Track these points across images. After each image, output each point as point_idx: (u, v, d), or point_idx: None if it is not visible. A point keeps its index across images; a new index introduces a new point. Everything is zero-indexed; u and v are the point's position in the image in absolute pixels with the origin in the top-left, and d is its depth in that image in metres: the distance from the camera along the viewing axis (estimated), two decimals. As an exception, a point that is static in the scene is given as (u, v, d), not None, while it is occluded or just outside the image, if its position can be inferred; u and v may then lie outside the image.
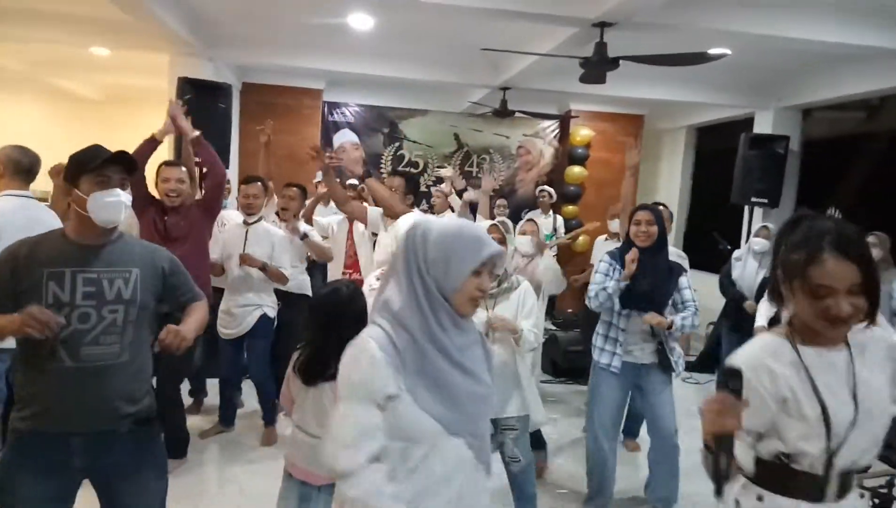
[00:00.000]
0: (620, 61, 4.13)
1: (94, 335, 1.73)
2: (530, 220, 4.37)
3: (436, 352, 1.38)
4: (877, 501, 3.27)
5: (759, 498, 1.43)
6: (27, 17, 5.41)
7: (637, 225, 3.03)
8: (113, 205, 1.76)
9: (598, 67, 4.18)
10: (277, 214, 4.25)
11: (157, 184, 3.40)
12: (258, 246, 3.68)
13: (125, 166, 1.82)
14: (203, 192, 3.56)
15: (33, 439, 1.74)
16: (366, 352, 1.37)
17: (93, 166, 1.75)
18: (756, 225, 6.46)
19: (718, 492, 1.30)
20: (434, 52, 6.08)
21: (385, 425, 1.35)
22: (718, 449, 1.27)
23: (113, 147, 1.83)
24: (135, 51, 6.14)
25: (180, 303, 2.00)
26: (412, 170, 8.00)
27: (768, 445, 1.42)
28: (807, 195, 6.78)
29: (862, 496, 1.48)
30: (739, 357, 1.43)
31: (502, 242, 2.70)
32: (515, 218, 6.16)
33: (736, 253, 4.63)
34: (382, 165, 7.91)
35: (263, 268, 3.62)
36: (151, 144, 3.24)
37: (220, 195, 3.52)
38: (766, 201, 6.35)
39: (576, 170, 7.91)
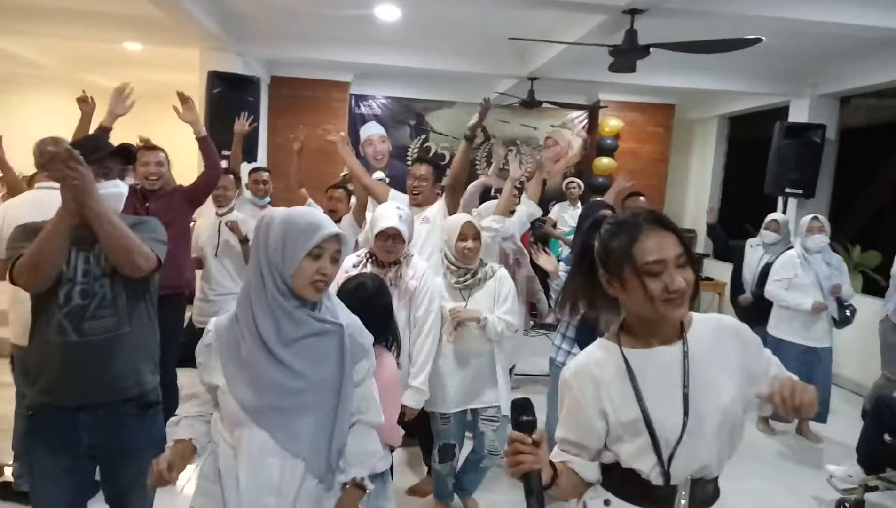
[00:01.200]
0: (651, 49, 4.05)
1: (92, 310, 1.81)
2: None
3: (253, 340, 1.43)
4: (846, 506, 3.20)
5: (607, 503, 1.33)
6: (61, 15, 5.53)
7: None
8: (115, 196, 1.87)
9: (628, 55, 4.10)
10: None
11: (134, 169, 3.34)
12: (231, 236, 3.77)
13: (125, 158, 1.93)
14: (195, 184, 3.52)
15: (44, 414, 1.84)
16: (206, 332, 1.53)
17: (96, 158, 1.81)
18: (790, 216, 6.33)
19: None
20: (460, 43, 6.05)
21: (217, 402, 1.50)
22: (529, 489, 1.17)
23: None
24: (166, 46, 6.23)
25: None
26: (439, 162, 7.98)
27: (605, 456, 1.33)
28: (843, 185, 6.59)
29: None
30: (569, 367, 1.36)
31: (476, 237, 2.72)
32: (543, 210, 6.11)
33: (789, 257, 4.32)
34: (409, 158, 7.91)
35: (245, 241, 3.68)
36: (102, 132, 3.11)
37: (208, 191, 3.52)
38: (800, 191, 6.19)
39: (604, 161, 7.81)
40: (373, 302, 2.11)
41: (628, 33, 4.07)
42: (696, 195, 8.74)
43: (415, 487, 3.21)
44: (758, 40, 3.74)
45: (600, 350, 1.34)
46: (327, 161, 6.53)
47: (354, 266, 2.65)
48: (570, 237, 6.00)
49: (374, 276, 2.35)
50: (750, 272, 4.72)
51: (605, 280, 1.31)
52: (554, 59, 5.56)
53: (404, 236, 2.59)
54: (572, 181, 6.52)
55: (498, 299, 2.75)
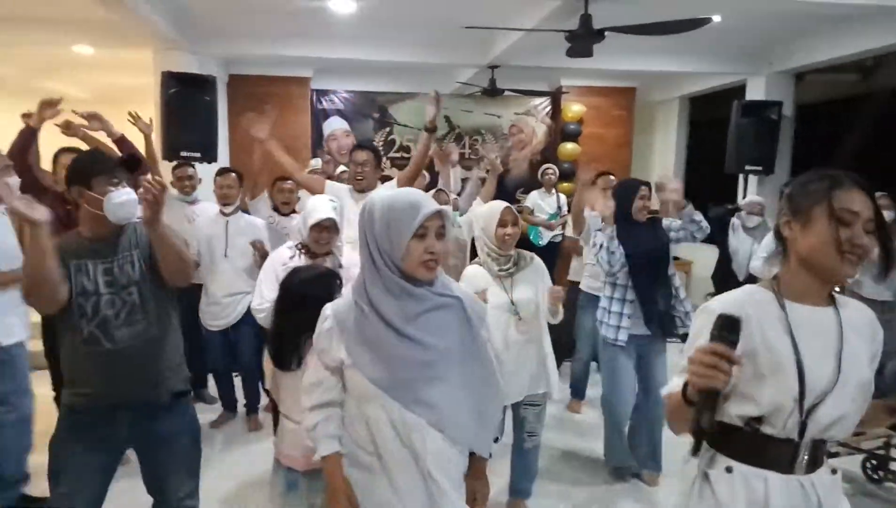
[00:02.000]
0: (606, 33, 4.08)
1: (123, 318, 1.90)
2: (441, 190, 4.28)
3: (377, 319, 1.49)
4: (874, 462, 3.30)
5: (728, 469, 1.36)
6: (6, 21, 5.35)
7: (643, 200, 3.13)
8: (131, 203, 1.90)
9: (583, 39, 4.12)
10: (276, 209, 4.16)
11: (54, 171, 3.36)
12: (242, 236, 3.71)
13: (129, 168, 1.99)
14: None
15: (84, 415, 1.92)
16: (323, 319, 1.59)
17: (103, 169, 1.89)
18: (751, 193, 6.45)
19: (696, 451, 1.22)
20: (419, 34, 6.02)
21: (345, 383, 1.57)
22: (703, 406, 1.16)
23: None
24: (118, 49, 6.09)
25: None
26: (404, 155, 7.96)
27: (738, 408, 1.33)
28: (801, 160, 6.73)
29: (834, 472, 1.38)
30: (720, 303, 1.35)
31: (515, 222, 2.66)
32: (510, 198, 6.12)
33: (733, 221, 4.54)
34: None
35: (265, 257, 3.60)
36: (30, 134, 3.14)
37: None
38: (760, 168, 6.31)
39: (569, 147, 7.86)
40: (308, 290, 2.09)
41: (583, 18, 4.09)
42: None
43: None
44: (708, 20, 3.78)
45: (756, 293, 1.37)
46: (294, 156, 6.43)
47: (291, 258, 2.67)
48: (553, 222, 6.04)
49: (316, 265, 2.35)
50: (740, 259, 4.72)
51: (784, 221, 1.34)
52: (513, 47, 5.56)
53: (339, 227, 2.65)
54: (549, 168, 6.51)
55: (542, 283, 2.73)
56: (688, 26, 3.86)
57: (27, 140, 3.16)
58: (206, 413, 4.04)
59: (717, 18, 4.48)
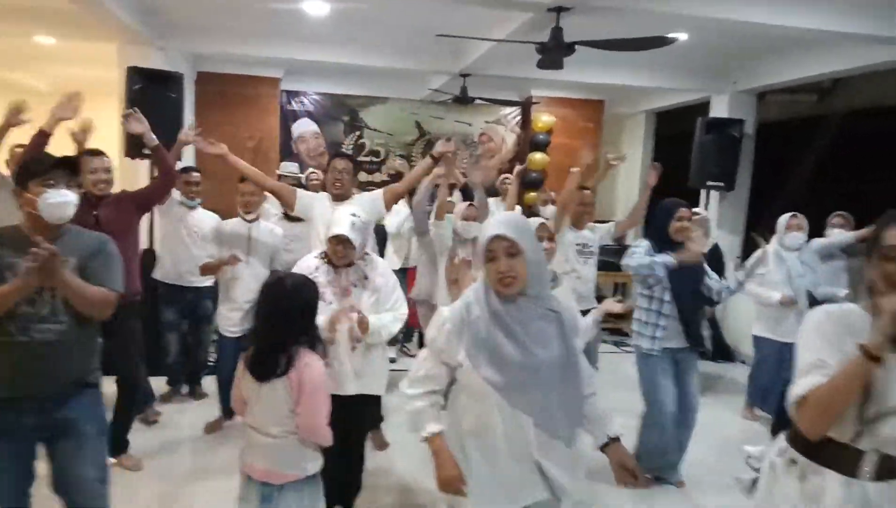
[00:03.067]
0: (577, 47, 4.13)
1: (42, 316, 1.96)
2: (472, 205, 4.24)
3: (493, 323, 1.70)
4: None
5: (793, 462, 1.54)
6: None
7: (681, 221, 3.20)
8: (60, 205, 1.97)
9: (554, 52, 4.17)
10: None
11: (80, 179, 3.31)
12: (263, 243, 3.85)
13: (70, 169, 2.05)
14: (146, 190, 3.57)
15: None
16: (438, 318, 1.79)
17: (39, 171, 1.96)
18: (713, 208, 6.60)
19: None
20: (392, 39, 6.01)
21: (457, 379, 1.78)
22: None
23: (65, 139, 1.99)
24: (81, 40, 5.93)
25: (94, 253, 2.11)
26: (374, 159, 7.93)
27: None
28: (761, 178, 6.93)
29: None
30: (826, 308, 1.52)
31: (551, 239, 2.77)
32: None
33: (757, 254, 4.23)
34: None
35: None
36: (42, 137, 3.07)
37: (163, 195, 3.59)
38: (722, 184, 6.46)
39: (538, 156, 7.93)
40: (286, 301, 2.08)
41: (554, 31, 4.14)
42: (626, 189, 9.00)
43: None
44: (674, 39, 3.87)
45: (857, 312, 1.49)
46: (258, 158, 6.35)
47: (317, 269, 2.65)
48: None
49: (297, 274, 2.32)
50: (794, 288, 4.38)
51: (865, 263, 1.49)
52: (485, 56, 5.60)
53: (354, 244, 2.59)
54: (507, 177, 6.57)
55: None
56: (655, 43, 3.94)
57: (41, 144, 3.07)
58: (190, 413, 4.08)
59: (683, 37, 4.59)
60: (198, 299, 4.29)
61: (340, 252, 2.59)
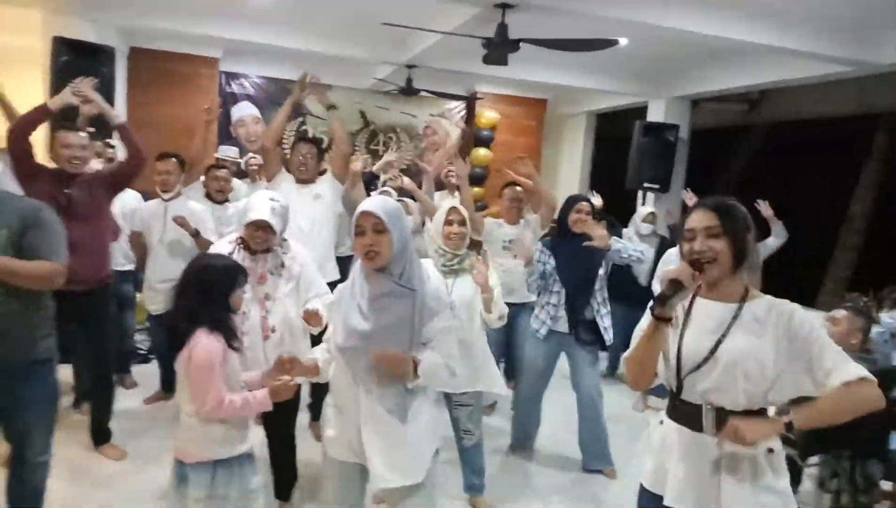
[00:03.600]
0: (521, 44, 4.18)
1: None
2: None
3: (350, 295, 1.93)
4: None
5: (661, 422, 1.77)
6: None
7: (578, 212, 3.39)
8: None
9: (499, 48, 4.21)
10: (209, 196, 4.19)
11: (52, 150, 3.20)
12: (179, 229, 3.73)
13: None
14: (118, 170, 3.46)
15: None
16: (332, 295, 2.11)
17: None
18: (648, 208, 6.82)
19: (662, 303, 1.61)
20: (337, 25, 5.91)
21: None
22: (673, 289, 1.59)
23: None
24: (2, 5, 5.55)
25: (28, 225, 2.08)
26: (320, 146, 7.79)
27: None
28: (694, 181, 7.19)
29: (770, 451, 1.64)
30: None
31: (462, 223, 2.86)
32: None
33: (669, 254, 4.58)
34: (285, 141, 7.64)
35: (196, 235, 3.65)
36: (42, 112, 3.01)
37: (132, 177, 3.39)
38: (657, 186, 6.68)
39: (481, 152, 7.99)
40: (191, 279, 2.10)
41: (500, 27, 4.18)
42: (566, 188, 9.16)
43: None
44: (615, 42, 3.97)
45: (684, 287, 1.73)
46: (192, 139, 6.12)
47: (230, 254, 2.56)
48: None
49: (219, 259, 2.26)
50: (643, 265, 4.84)
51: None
52: (432, 48, 5.58)
53: (275, 230, 2.54)
54: (451, 170, 6.59)
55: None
56: (597, 45, 4.03)
57: (38, 119, 3.01)
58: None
59: (623, 41, 4.69)
60: (118, 283, 4.08)
61: (260, 237, 2.54)
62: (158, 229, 3.81)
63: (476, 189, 7.91)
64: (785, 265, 5.04)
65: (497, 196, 5.40)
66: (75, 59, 5.02)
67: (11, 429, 2.23)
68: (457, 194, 6.53)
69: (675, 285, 1.59)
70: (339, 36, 6.13)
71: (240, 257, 2.54)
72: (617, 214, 6.54)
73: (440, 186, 6.65)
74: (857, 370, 1.51)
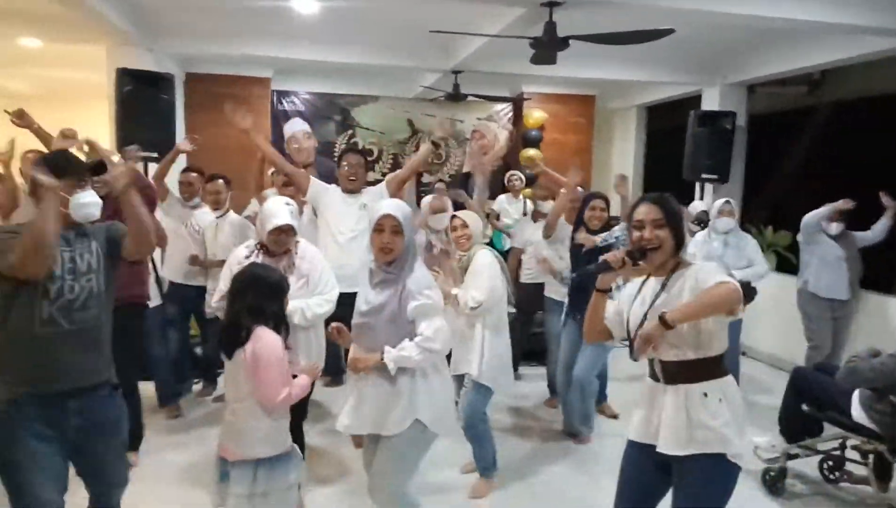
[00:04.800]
0: (570, 41, 4.13)
1: (83, 302, 2.06)
2: (437, 197, 4.46)
3: (362, 283, 2.40)
4: (830, 463, 3.41)
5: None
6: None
7: (592, 210, 3.73)
8: (90, 205, 2.09)
9: (547, 47, 4.16)
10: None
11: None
12: (230, 237, 4.13)
13: (95, 172, 2.16)
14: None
15: (31, 401, 1.99)
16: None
17: (74, 172, 2.06)
18: (707, 200, 6.62)
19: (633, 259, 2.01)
20: (383, 37, 5.98)
21: None
22: (601, 268, 2.04)
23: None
24: (69, 43, 5.86)
25: (122, 234, 2.21)
26: (367, 158, 7.89)
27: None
28: (754, 169, 6.96)
29: (705, 394, 1.94)
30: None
31: (465, 225, 3.16)
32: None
33: (698, 236, 4.65)
34: (335, 153, 7.77)
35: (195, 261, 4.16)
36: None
37: (150, 201, 3.64)
38: (716, 176, 6.48)
39: (530, 152, 7.93)
40: (257, 279, 2.29)
41: (547, 25, 4.13)
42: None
43: None
44: (669, 31, 3.87)
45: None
46: (249, 159, 6.30)
47: (247, 257, 2.80)
48: (514, 230, 6.07)
49: (273, 270, 2.45)
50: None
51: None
52: (477, 53, 5.59)
53: (296, 230, 2.83)
54: (514, 174, 6.60)
55: (473, 280, 3.07)
56: (649, 37, 3.94)
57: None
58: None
59: (673, 29, 4.57)
60: (201, 297, 4.33)
61: (283, 240, 2.80)
62: (211, 244, 4.23)
63: (526, 190, 7.85)
64: (883, 256, 4.83)
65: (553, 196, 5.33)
66: (137, 88, 5.25)
67: (92, 464, 2.18)
68: (521, 197, 6.52)
69: (603, 266, 2.01)
70: (385, 47, 6.20)
71: (259, 260, 2.77)
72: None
73: (500, 189, 6.66)
74: (725, 276, 1.85)
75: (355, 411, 2.34)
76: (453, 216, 3.24)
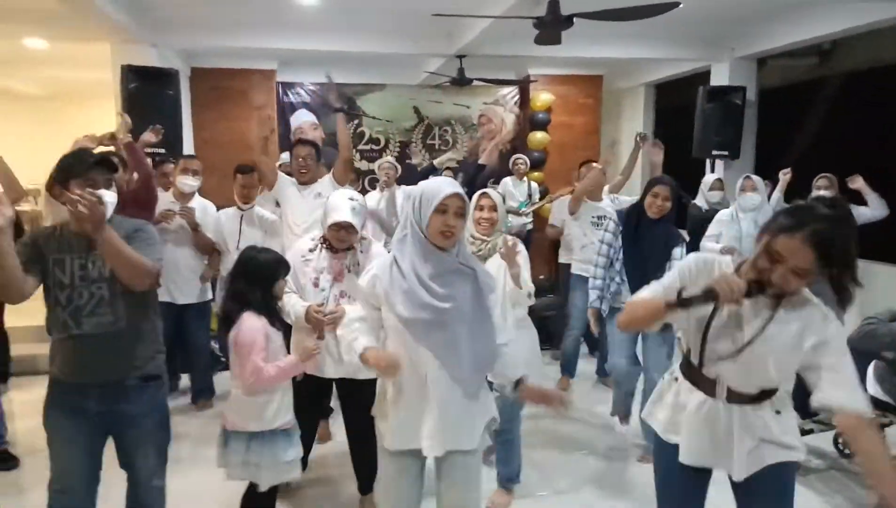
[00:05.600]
0: (575, 20, 4.07)
1: (91, 309, 2.06)
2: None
3: (410, 272, 1.88)
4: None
5: (676, 380, 1.92)
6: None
7: (654, 197, 3.25)
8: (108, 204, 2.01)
9: (552, 26, 4.10)
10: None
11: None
12: (253, 230, 4.04)
13: (108, 168, 2.09)
14: (136, 189, 3.70)
15: (60, 386, 2.15)
16: (367, 272, 1.99)
17: (78, 172, 2.01)
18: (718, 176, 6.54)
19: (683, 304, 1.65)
20: (385, 24, 5.94)
21: (384, 321, 1.96)
22: (705, 299, 1.59)
23: (59, 143, 2.10)
24: (73, 42, 5.88)
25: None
26: (374, 147, 7.88)
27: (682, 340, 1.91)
28: (766, 144, 6.86)
29: (778, 412, 1.79)
30: (700, 255, 1.86)
31: (493, 209, 2.84)
32: (481, 187, 6.10)
33: (722, 214, 4.48)
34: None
35: (195, 228, 4.00)
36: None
37: (151, 190, 3.78)
38: (726, 152, 6.41)
39: (538, 135, 7.88)
40: (249, 266, 2.39)
41: (551, 4, 4.08)
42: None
43: None
44: (675, 4, 3.80)
45: (723, 262, 1.81)
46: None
47: (311, 251, 2.71)
48: (523, 209, 6.07)
49: (267, 252, 2.49)
50: (745, 249, 4.65)
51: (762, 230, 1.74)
52: (481, 36, 5.53)
53: (356, 228, 2.63)
54: (520, 158, 6.57)
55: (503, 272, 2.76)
56: (654, 11, 3.87)
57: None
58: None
59: (679, 2, 4.50)
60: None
61: (343, 237, 2.63)
62: (234, 237, 4.06)
63: (535, 173, 7.81)
64: (874, 223, 4.72)
65: (561, 178, 5.31)
66: (143, 85, 5.27)
67: (122, 451, 2.23)
68: (525, 180, 6.49)
69: (709, 297, 1.58)
70: (388, 34, 6.17)
71: (322, 255, 2.69)
72: (685, 186, 6.31)
73: (507, 173, 6.63)
74: (858, 385, 1.73)
75: (438, 430, 1.90)
76: (482, 194, 2.86)
